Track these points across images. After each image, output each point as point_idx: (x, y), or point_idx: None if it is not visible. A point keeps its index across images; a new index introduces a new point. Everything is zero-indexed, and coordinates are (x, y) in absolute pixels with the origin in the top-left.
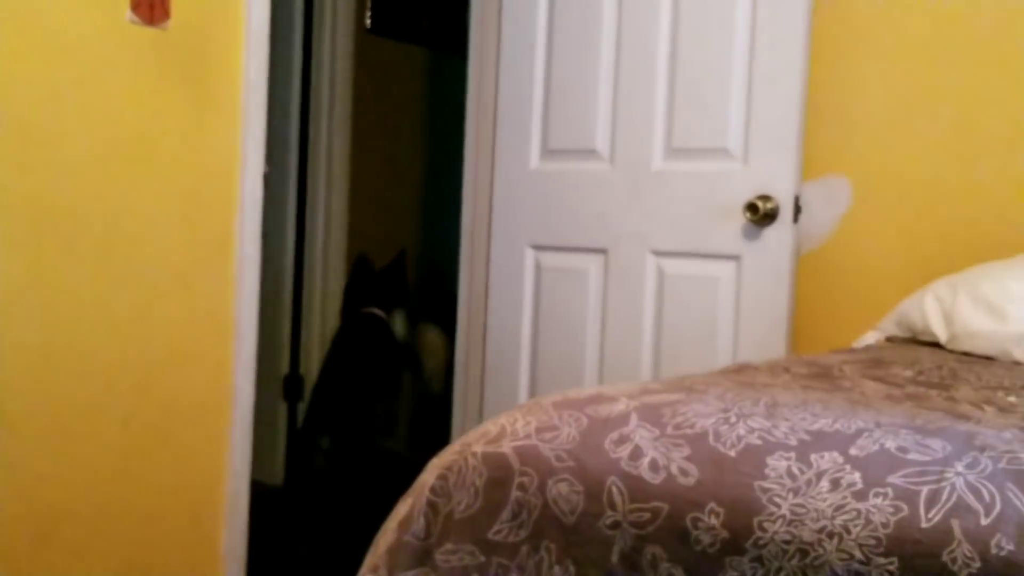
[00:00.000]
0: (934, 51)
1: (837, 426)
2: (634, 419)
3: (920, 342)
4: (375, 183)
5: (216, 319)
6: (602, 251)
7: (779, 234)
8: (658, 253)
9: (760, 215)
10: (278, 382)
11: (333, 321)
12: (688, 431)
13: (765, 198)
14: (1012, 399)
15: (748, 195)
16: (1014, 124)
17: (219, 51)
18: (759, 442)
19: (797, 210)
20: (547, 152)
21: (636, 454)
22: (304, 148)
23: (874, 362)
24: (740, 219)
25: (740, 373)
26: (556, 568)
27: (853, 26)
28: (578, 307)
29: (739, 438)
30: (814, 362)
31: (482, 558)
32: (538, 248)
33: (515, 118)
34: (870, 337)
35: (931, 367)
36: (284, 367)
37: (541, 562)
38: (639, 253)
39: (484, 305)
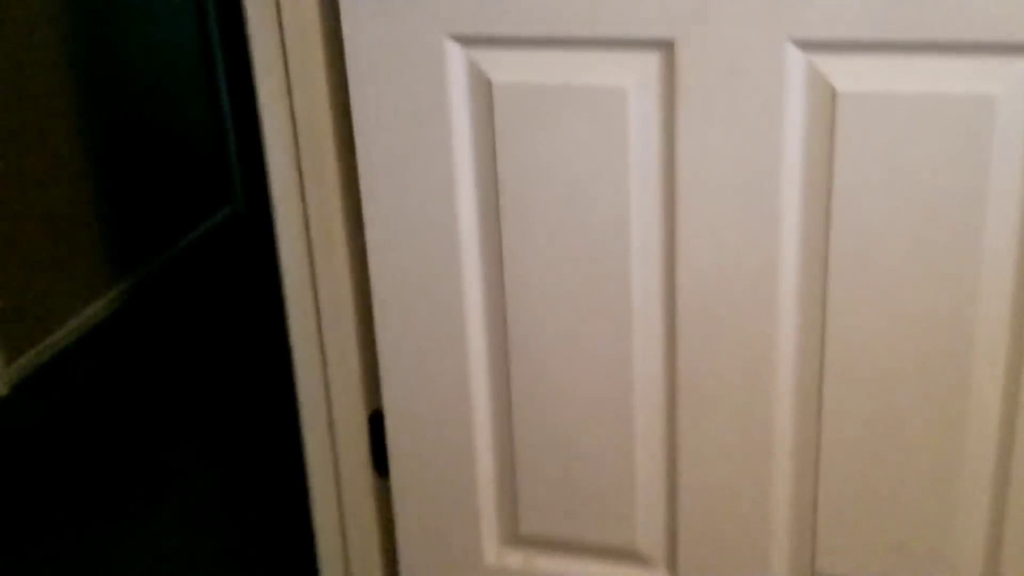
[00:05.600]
0: None
1: None
2: None
3: None
4: None
5: None
6: (661, 44)
7: None
8: (808, 46)
9: None
10: None
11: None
12: None
13: None
14: None
15: None
16: None
17: None
18: None
19: None
20: None
21: None
22: None
23: None
24: None
25: None
26: None
27: None
28: (603, 182)
29: None
30: None
31: None
32: (473, 43)
33: None
34: None
35: None
36: None
37: None
38: (762, 42)
39: (351, 179)
